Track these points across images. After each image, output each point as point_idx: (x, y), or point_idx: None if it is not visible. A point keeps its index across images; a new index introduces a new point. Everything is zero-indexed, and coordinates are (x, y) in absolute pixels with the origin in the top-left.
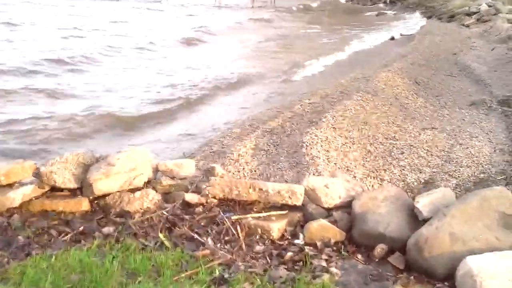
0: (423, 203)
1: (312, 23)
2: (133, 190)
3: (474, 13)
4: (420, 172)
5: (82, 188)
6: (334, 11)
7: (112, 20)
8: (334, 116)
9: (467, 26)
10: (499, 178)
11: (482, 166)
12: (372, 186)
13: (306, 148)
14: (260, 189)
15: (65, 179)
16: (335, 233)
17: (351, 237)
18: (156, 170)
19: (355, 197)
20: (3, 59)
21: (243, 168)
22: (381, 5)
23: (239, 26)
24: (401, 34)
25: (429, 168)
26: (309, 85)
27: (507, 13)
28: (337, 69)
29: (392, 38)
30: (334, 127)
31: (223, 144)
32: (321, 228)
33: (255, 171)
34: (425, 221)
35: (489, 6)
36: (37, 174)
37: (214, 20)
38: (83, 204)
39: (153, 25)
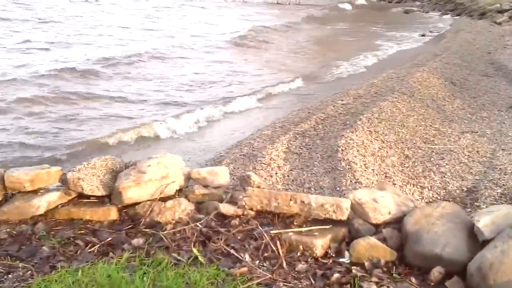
0: (485, 223)
1: (342, 21)
2: (164, 199)
3: (507, 10)
4: (462, 180)
5: (110, 196)
6: (362, 9)
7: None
8: (370, 118)
9: (499, 23)
10: None
11: None
12: (412, 194)
13: (342, 153)
14: (302, 202)
15: (93, 186)
16: (385, 253)
17: (403, 257)
18: (188, 178)
19: (406, 213)
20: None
21: (276, 173)
22: (409, 2)
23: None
24: (430, 32)
25: (471, 175)
26: (341, 86)
27: None
28: (368, 69)
29: (423, 35)
30: (370, 130)
31: (253, 147)
32: (370, 247)
33: (288, 176)
34: (485, 242)
35: None
36: (64, 181)
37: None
38: (112, 213)
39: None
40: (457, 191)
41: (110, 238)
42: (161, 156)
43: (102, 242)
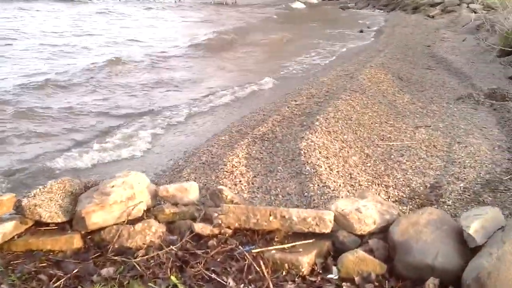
0: (475, 228)
1: (283, 23)
2: (132, 222)
3: (438, 3)
4: (424, 176)
5: (71, 222)
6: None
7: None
8: (327, 118)
9: (432, 17)
10: (505, 178)
11: (486, 166)
12: (379, 194)
13: (305, 156)
14: (283, 217)
15: (52, 212)
16: (374, 266)
17: (393, 269)
18: (155, 196)
19: (391, 222)
20: None
21: (240, 181)
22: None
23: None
24: (368, 27)
25: (432, 171)
26: (290, 86)
27: (470, 3)
28: (313, 68)
29: (361, 31)
30: (328, 131)
31: (212, 154)
32: (359, 260)
33: (252, 183)
34: (477, 248)
35: None
36: (19, 208)
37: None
38: (75, 241)
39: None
40: (421, 187)
41: (76, 270)
42: (124, 174)
43: (68, 275)
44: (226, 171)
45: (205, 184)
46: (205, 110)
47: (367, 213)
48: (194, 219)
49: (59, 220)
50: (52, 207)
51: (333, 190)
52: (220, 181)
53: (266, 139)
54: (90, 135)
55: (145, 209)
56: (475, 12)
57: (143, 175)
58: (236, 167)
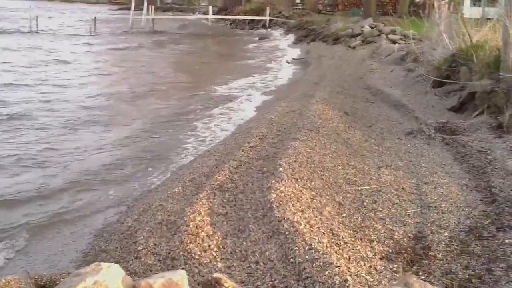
0: None
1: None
2: None
3: (358, 34)
4: (404, 225)
5: None
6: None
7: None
8: (290, 163)
9: (353, 48)
10: (486, 222)
11: (463, 210)
12: (366, 251)
13: (278, 210)
14: None
15: None
16: None
17: None
18: None
19: None
20: None
21: (209, 246)
22: (262, 30)
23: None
24: (293, 58)
25: (410, 218)
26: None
27: (389, 34)
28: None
29: (288, 63)
30: (295, 178)
31: (168, 211)
32: None
33: (223, 247)
34: None
35: (372, 27)
36: None
37: None
38: None
39: None
40: (405, 239)
41: None
42: (94, 269)
43: None
44: (191, 234)
45: (169, 253)
46: None
47: None
48: None
49: None
50: None
51: (322, 254)
52: (187, 248)
53: (226, 189)
54: None
55: None
56: (394, 43)
57: (116, 266)
58: (200, 227)
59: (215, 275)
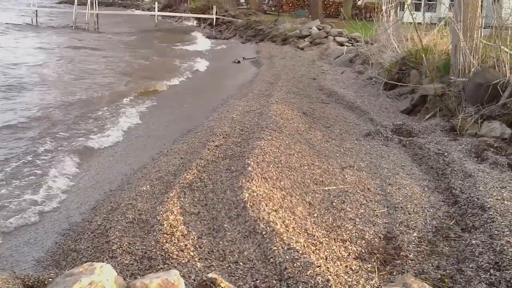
0: None
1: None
2: None
3: (306, 36)
4: (373, 225)
5: None
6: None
7: None
8: (258, 162)
9: (302, 49)
10: (451, 223)
11: (428, 211)
12: (340, 251)
13: (252, 210)
14: None
15: None
16: None
17: None
18: None
19: None
20: None
21: (185, 245)
22: (205, 29)
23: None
24: (244, 58)
25: (379, 219)
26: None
27: (336, 36)
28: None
29: (238, 62)
30: (264, 177)
31: (139, 210)
32: None
33: (200, 247)
34: None
35: (319, 29)
36: None
37: None
38: None
39: None
40: (376, 239)
41: None
42: (87, 269)
43: None
44: (166, 233)
45: (146, 253)
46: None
47: None
48: None
49: None
50: None
51: (301, 253)
52: (164, 247)
53: (196, 188)
54: None
55: None
56: (342, 45)
57: (109, 266)
58: (175, 226)
59: (210, 275)
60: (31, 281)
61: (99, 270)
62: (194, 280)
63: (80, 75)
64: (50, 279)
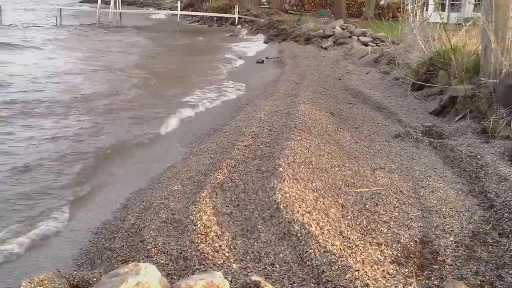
0: None
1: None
2: None
3: (330, 35)
4: (408, 228)
5: None
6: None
7: None
8: (289, 163)
9: (325, 48)
10: (488, 228)
11: (463, 215)
12: (377, 256)
13: (286, 211)
14: None
15: None
16: None
17: None
18: None
19: None
20: None
21: (220, 246)
22: (233, 27)
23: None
24: (267, 57)
25: (414, 222)
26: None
27: (360, 36)
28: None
29: (262, 62)
30: (296, 178)
31: (171, 209)
32: None
33: (234, 248)
34: None
35: (343, 29)
36: None
37: None
38: None
39: None
40: (411, 243)
41: None
42: (132, 269)
43: None
44: (200, 233)
45: (181, 253)
46: None
47: None
48: None
49: None
50: None
51: (339, 257)
52: (199, 248)
53: (227, 188)
54: None
55: None
56: (366, 45)
57: (153, 267)
58: (208, 227)
59: (254, 278)
60: (76, 280)
61: (144, 270)
62: (231, 282)
63: None
64: (95, 279)
